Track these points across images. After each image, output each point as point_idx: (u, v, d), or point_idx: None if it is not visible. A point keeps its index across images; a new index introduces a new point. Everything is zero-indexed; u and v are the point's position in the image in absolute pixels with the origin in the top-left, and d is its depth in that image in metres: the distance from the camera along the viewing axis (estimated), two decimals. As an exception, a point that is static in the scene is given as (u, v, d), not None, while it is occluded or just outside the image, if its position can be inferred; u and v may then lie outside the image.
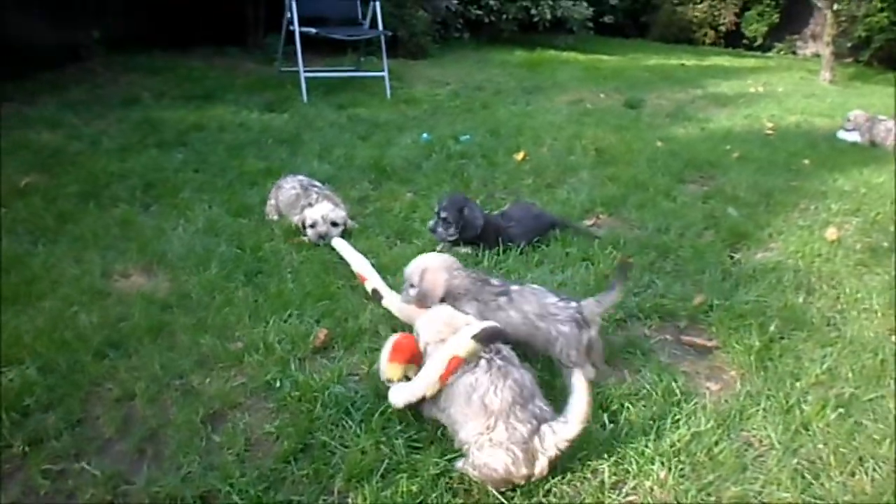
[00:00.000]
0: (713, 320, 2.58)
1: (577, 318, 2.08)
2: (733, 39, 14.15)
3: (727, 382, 2.24)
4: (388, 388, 1.92)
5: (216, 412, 1.96)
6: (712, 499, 1.73)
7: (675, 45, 13.73)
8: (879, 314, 2.69)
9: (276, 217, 3.34)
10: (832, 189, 4.25)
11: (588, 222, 3.51)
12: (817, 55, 11.70)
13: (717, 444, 1.90)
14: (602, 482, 1.75)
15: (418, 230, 3.22)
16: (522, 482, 1.69)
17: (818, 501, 1.74)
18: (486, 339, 1.81)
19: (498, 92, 7.08)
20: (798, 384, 2.19)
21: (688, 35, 14.45)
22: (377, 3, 6.59)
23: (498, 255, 2.97)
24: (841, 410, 2.06)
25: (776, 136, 5.73)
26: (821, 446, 1.92)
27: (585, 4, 10.87)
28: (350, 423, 1.89)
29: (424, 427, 1.88)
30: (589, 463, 1.79)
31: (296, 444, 1.82)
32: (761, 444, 1.94)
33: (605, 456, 1.82)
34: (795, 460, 1.87)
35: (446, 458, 1.77)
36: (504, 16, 10.29)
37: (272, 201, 3.38)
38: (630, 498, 1.73)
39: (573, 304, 2.12)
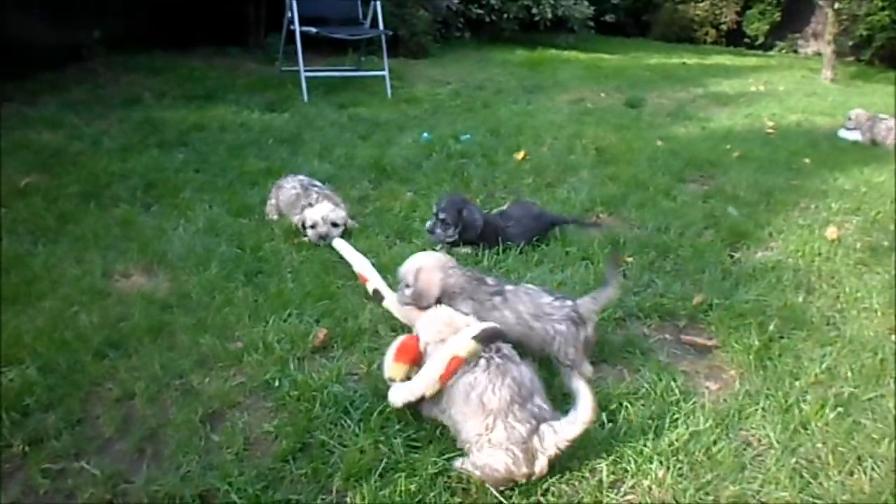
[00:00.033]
0: (713, 319, 2.58)
1: (573, 317, 2.08)
2: (735, 38, 14.14)
3: (726, 382, 2.24)
4: (388, 387, 1.92)
5: (215, 412, 1.96)
6: (710, 498, 1.73)
7: (677, 44, 13.72)
8: (879, 313, 2.69)
9: (276, 217, 3.35)
10: (833, 188, 4.25)
11: (588, 222, 3.50)
12: (819, 54, 11.68)
13: (715, 443, 1.90)
14: (600, 481, 1.75)
15: (418, 230, 3.22)
16: (524, 480, 1.70)
17: (816, 501, 1.74)
18: (487, 339, 1.81)
19: (499, 91, 7.08)
20: (797, 383, 2.19)
21: (689, 34, 14.44)
22: (378, 3, 6.60)
23: (498, 254, 2.97)
24: (840, 410, 2.06)
25: (777, 135, 5.73)
26: (819, 445, 1.93)
27: (587, 3, 10.87)
28: (349, 422, 1.90)
29: (423, 426, 1.88)
30: (587, 462, 1.79)
31: (294, 443, 1.82)
32: (760, 443, 1.94)
33: (604, 455, 1.82)
34: (794, 459, 1.87)
35: (445, 457, 1.77)
36: (505, 15, 10.29)
37: (272, 201, 3.38)
38: (628, 497, 1.73)
39: (568, 303, 2.12)
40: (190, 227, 3.16)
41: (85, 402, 1.98)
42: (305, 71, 6.09)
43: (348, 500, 1.67)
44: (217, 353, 2.20)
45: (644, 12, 14.80)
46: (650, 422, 1.95)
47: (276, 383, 2.07)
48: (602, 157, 4.65)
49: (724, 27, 14.25)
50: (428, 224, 3.01)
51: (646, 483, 1.75)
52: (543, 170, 4.27)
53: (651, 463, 1.80)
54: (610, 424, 1.94)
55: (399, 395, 1.85)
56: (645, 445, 1.85)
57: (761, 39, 13.77)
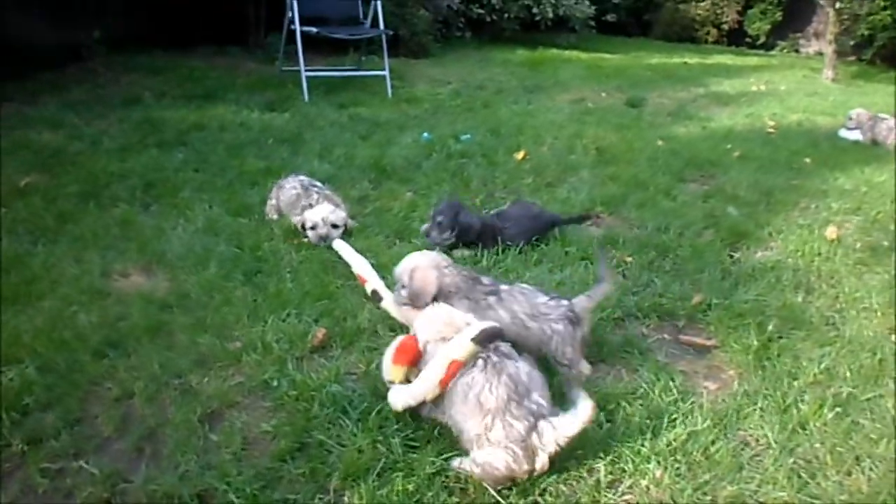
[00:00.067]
0: (712, 319, 2.58)
1: (569, 316, 2.09)
2: (736, 38, 14.12)
3: (725, 382, 2.24)
4: (387, 388, 1.92)
5: (214, 411, 1.96)
6: (708, 498, 1.73)
7: (678, 44, 13.70)
8: (879, 313, 2.68)
9: (275, 217, 3.35)
10: (833, 188, 4.25)
11: (588, 221, 3.51)
12: (820, 53, 11.66)
13: (713, 443, 1.90)
14: (598, 481, 1.75)
15: (417, 230, 3.21)
16: (525, 477, 1.70)
17: (814, 501, 1.74)
18: (485, 339, 1.81)
19: (499, 91, 7.08)
20: (796, 383, 2.19)
21: (690, 33, 14.42)
22: (378, 3, 6.59)
23: (497, 254, 2.98)
24: (838, 410, 2.06)
25: (778, 135, 5.72)
26: (818, 445, 1.92)
27: (588, 3, 10.85)
28: (347, 421, 1.90)
29: (421, 426, 1.88)
30: (585, 462, 1.79)
31: (292, 442, 1.83)
32: (758, 443, 1.94)
33: (602, 455, 1.82)
34: (792, 459, 1.87)
35: (443, 457, 1.78)
36: (506, 15, 10.27)
37: (273, 201, 3.39)
38: (626, 497, 1.73)
39: (564, 302, 2.13)
40: (189, 226, 3.16)
41: (84, 401, 1.99)
42: (306, 71, 6.09)
43: (346, 499, 1.67)
44: (216, 353, 2.21)
45: (645, 12, 14.78)
46: (648, 422, 1.95)
47: (275, 383, 2.07)
48: (602, 157, 4.65)
49: (725, 27, 14.22)
50: (424, 227, 3.01)
51: (643, 483, 1.75)
52: (543, 170, 4.27)
53: (649, 463, 1.80)
54: (608, 424, 1.94)
55: (400, 399, 1.85)
56: (643, 445, 1.85)
57: (763, 39, 13.74)
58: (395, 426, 1.87)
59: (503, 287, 2.21)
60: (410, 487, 1.69)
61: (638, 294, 2.72)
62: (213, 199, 3.50)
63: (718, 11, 14.17)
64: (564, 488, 1.73)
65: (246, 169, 4.01)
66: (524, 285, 2.24)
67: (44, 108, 5.08)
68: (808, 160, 4.84)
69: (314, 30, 6.25)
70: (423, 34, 8.85)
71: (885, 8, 10.67)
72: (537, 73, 8.32)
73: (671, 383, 2.14)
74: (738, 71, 9.78)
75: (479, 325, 1.85)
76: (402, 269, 2.26)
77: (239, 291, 2.59)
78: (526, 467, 1.68)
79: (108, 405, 1.97)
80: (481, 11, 10.08)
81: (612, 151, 4.79)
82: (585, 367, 2.14)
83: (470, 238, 2.96)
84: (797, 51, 13.61)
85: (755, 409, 2.06)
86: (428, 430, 1.87)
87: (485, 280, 2.25)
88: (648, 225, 3.44)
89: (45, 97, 5.40)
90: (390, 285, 2.46)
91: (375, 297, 2.49)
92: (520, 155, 4.50)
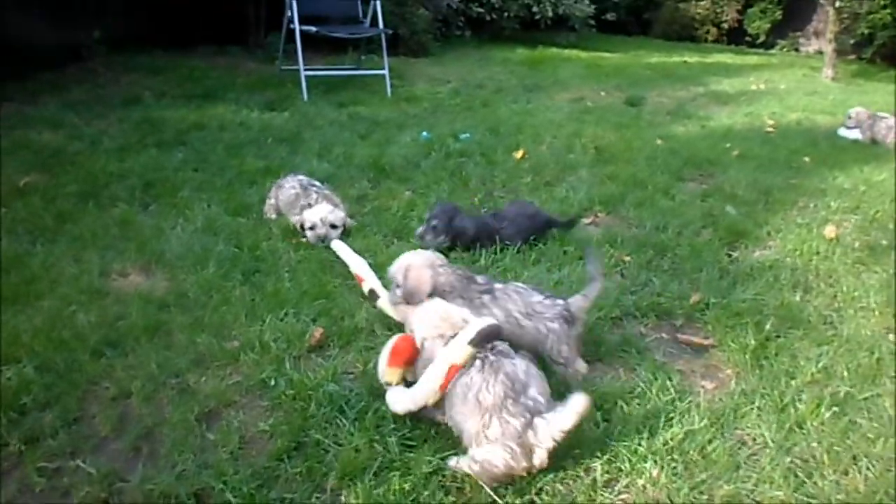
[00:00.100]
0: (709, 318, 2.58)
1: (564, 315, 2.09)
2: (736, 37, 14.12)
3: (722, 381, 2.24)
4: (384, 388, 1.92)
5: (211, 410, 1.97)
6: (704, 497, 1.73)
7: (678, 43, 13.70)
8: (877, 312, 2.68)
9: (274, 216, 3.35)
10: (832, 187, 4.24)
11: (586, 221, 3.51)
12: (820, 52, 11.65)
13: (710, 442, 1.90)
14: (594, 480, 1.75)
15: (416, 229, 3.22)
16: (524, 474, 1.70)
17: (811, 500, 1.74)
18: (483, 340, 1.82)
19: (499, 90, 7.08)
20: (793, 382, 2.19)
21: (690, 32, 14.42)
22: (377, 2, 6.60)
23: (495, 253, 2.98)
24: (836, 409, 2.05)
25: (777, 134, 5.72)
26: (815, 445, 1.92)
27: (587, 2, 10.86)
28: (344, 421, 1.90)
29: (418, 425, 1.89)
30: (582, 461, 1.80)
31: (289, 442, 1.83)
32: (755, 442, 1.94)
33: (599, 454, 1.82)
34: (789, 459, 1.87)
35: (439, 456, 1.78)
36: (506, 14, 10.28)
37: (272, 200, 3.39)
38: (622, 496, 1.73)
39: (560, 301, 2.13)
40: (188, 226, 3.17)
41: (82, 400, 1.99)
42: (305, 70, 6.09)
43: (343, 498, 1.68)
44: (213, 352, 2.21)
45: (645, 10, 14.78)
46: (645, 421, 1.95)
47: (272, 382, 2.08)
48: (601, 156, 4.65)
49: (725, 25, 14.22)
50: (418, 231, 3.02)
51: (640, 482, 1.76)
52: (542, 169, 4.27)
53: (645, 462, 1.80)
54: (605, 423, 1.94)
55: (401, 405, 1.85)
56: (640, 444, 1.85)
57: (762, 38, 13.74)
58: (392, 425, 1.88)
59: (497, 286, 2.21)
60: (407, 486, 1.69)
61: (636, 293, 2.72)
62: (212, 199, 3.50)
63: (718, 10, 14.18)
64: (561, 487, 1.73)
65: (245, 168, 4.01)
66: (519, 284, 2.24)
67: (44, 108, 5.09)
68: (807, 159, 4.83)
69: (313, 29, 6.25)
70: (422, 33, 8.85)
71: (884, 6, 10.66)
72: (537, 72, 8.32)
73: (668, 382, 2.14)
74: (737, 70, 9.78)
75: (475, 327, 1.84)
76: (397, 268, 2.27)
77: (237, 291, 2.59)
78: (524, 464, 1.68)
79: (105, 404, 1.98)
80: (481, 10, 10.09)
81: (610, 150, 4.79)
82: (581, 366, 2.14)
83: (464, 242, 2.97)
84: (797, 50, 13.61)
85: (752, 409, 2.06)
86: (425, 429, 1.88)
87: (479, 279, 2.25)
88: (647, 224, 3.44)
89: (45, 97, 5.41)
90: (387, 285, 2.47)
91: (373, 296, 2.49)
92: (519, 154, 4.50)
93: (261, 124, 5.09)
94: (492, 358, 1.78)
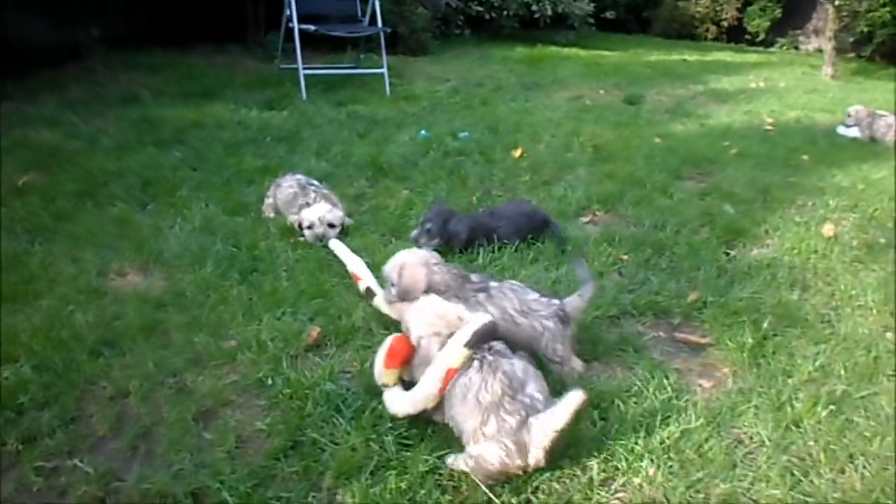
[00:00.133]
0: (707, 317, 2.58)
1: (560, 314, 2.09)
2: (735, 35, 14.10)
3: (719, 379, 2.25)
4: (381, 388, 1.93)
5: (208, 410, 1.97)
6: (701, 496, 1.73)
7: (677, 41, 13.68)
8: (874, 311, 2.68)
9: (272, 215, 3.35)
10: (830, 185, 4.24)
11: (584, 219, 3.51)
12: (820, 50, 11.64)
13: (707, 440, 1.90)
14: (591, 479, 1.75)
15: (413, 228, 3.21)
16: (520, 473, 1.70)
17: (807, 499, 1.75)
18: (479, 341, 1.82)
19: (498, 88, 7.08)
20: (790, 381, 2.19)
21: (690, 30, 14.40)
22: (376, 0, 6.59)
23: (493, 252, 2.98)
24: (832, 407, 2.05)
25: (776, 132, 5.71)
26: (811, 443, 1.92)
27: (587, 0, 10.84)
28: (340, 420, 1.90)
29: (415, 424, 1.89)
30: (578, 460, 1.80)
31: (286, 441, 1.83)
32: (752, 440, 1.94)
33: (595, 453, 1.82)
34: (785, 457, 1.87)
35: (436, 455, 1.78)
36: (505, 12, 10.26)
37: (270, 199, 3.39)
38: (619, 495, 1.73)
39: (555, 300, 2.13)
40: (186, 225, 3.17)
41: (79, 400, 1.99)
42: (304, 69, 6.09)
43: (339, 497, 1.68)
44: (211, 352, 2.21)
45: (645, 9, 14.76)
46: (642, 419, 1.95)
47: (269, 381, 2.08)
48: (599, 155, 4.65)
49: (724, 24, 14.20)
50: (413, 233, 3.02)
51: (636, 481, 1.76)
52: (540, 167, 4.27)
53: (642, 461, 1.80)
54: (602, 422, 1.94)
55: (400, 408, 1.86)
56: (636, 443, 1.85)
57: (762, 36, 13.72)
58: (389, 424, 1.88)
59: (493, 284, 2.21)
60: (403, 485, 1.69)
61: (634, 292, 2.72)
62: (210, 198, 3.50)
63: (718, 8, 14.16)
64: (557, 486, 1.74)
65: (243, 167, 4.01)
66: (514, 282, 2.24)
67: (42, 107, 5.08)
68: (805, 157, 4.83)
69: (312, 28, 6.24)
70: (421, 32, 8.85)
71: (884, 4, 10.64)
72: (536, 71, 8.31)
73: (665, 381, 2.14)
74: (737, 68, 9.76)
75: (471, 328, 1.84)
76: (392, 266, 2.27)
77: (235, 290, 2.60)
78: (518, 462, 1.68)
79: (103, 404, 1.98)
80: (480, 9, 10.07)
81: (609, 149, 4.78)
82: (578, 365, 2.15)
83: (458, 245, 2.96)
84: (796, 48, 13.59)
85: (749, 407, 2.06)
86: (421, 428, 1.88)
87: (474, 277, 2.26)
88: (645, 222, 3.44)
89: (44, 95, 5.40)
90: (384, 283, 2.47)
91: (369, 294, 2.49)
92: (517, 152, 4.50)
93: (259, 123, 5.09)
94: (490, 358, 1.78)
